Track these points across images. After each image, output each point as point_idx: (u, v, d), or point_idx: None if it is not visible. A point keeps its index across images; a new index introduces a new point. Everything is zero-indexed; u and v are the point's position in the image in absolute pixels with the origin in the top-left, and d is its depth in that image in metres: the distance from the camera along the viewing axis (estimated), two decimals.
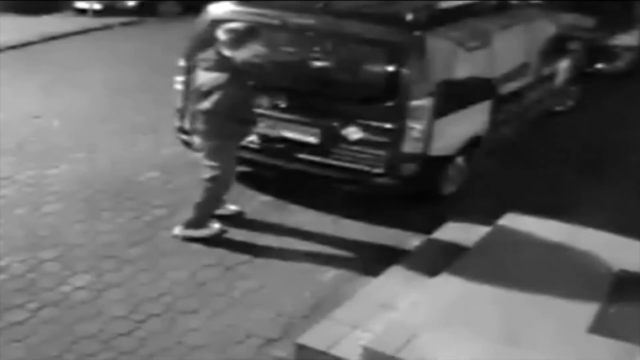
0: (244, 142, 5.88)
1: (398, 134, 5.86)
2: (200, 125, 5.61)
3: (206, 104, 5.48)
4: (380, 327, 4.40)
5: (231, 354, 4.46)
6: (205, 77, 5.54)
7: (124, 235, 5.77)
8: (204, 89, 5.49)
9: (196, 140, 5.78)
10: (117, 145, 7.65)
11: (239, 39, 5.49)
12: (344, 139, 5.97)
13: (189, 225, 5.74)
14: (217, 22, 6.44)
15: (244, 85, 5.51)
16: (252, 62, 5.59)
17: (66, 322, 4.64)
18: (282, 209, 6.35)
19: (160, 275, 5.25)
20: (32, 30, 12.75)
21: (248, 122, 5.67)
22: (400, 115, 5.84)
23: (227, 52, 5.49)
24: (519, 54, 7.55)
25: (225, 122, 5.48)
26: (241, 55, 5.49)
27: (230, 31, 5.52)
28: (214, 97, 5.43)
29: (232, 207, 6.14)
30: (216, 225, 5.84)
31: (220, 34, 5.54)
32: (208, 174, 5.65)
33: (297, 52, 6.52)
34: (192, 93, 5.76)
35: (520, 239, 5.53)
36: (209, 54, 5.59)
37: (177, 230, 5.75)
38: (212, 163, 5.62)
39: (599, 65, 11.23)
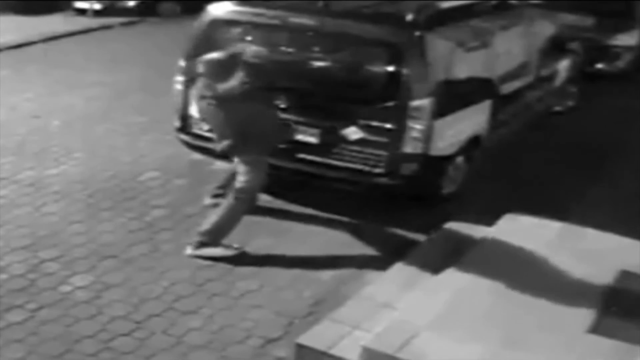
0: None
1: (398, 134, 5.86)
2: (229, 151, 5.54)
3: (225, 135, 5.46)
4: (380, 327, 4.40)
5: (231, 354, 4.46)
6: (204, 109, 5.55)
7: (124, 235, 5.77)
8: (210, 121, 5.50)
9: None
10: (117, 145, 7.65)
11: (222, 70, 5.38)
12: (344, 139, 5.97)
13: (204, 243, 5.50)
14: (217, 22, 6.46)
15: (246, 109, 5.39)
16: (243, 88, 5.39)
17: (66, 322, 4.64)
18: (282, 209, 6.34)
19: (160, 275, 5.25)
20: (32, 30, 12.75)
21: (270, 136, 5.62)
22: (400, 115, 5.84)
23: (213, 84, 5.39)
24: (519, 54, 7.55)
25: (245, 143, 5.44)
26: (227, 86, 5.35)
27: (211, 63, 5.44)
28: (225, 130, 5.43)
29: None
30: (235, 245, 5.57)
31: (201, 67, 5.46)
32: (238, 184, 5.54)
33: (297, 52, 6.52)
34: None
35: (521, 239, 5.52)
36: (200, 85, 5.54)
37: (190, 250, 5.52)
38: (242, 175, 5.52)
39: (599, 65, 11.23)
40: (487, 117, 6.82)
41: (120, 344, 4.47)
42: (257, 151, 5.54)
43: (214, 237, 5.52)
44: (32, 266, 5.24)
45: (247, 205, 5.62)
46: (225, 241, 5.56)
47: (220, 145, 5.59)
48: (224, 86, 5.37)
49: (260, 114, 5.52)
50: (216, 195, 6.13)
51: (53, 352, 4.35)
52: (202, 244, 5.51)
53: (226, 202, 5.63)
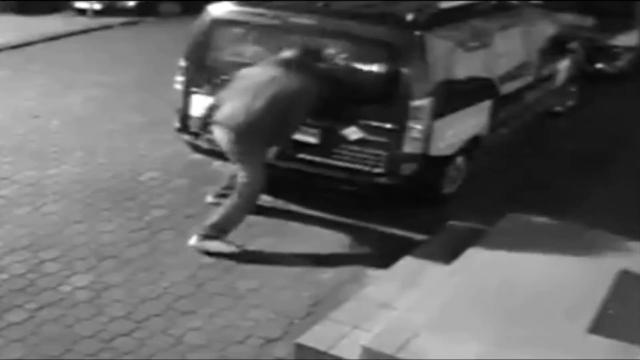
0: None
1: (398, 134, 5.86)
2: (239, 128, 5.52)
3: (260, 105, 5.49)
4: (380, 327, 4.40)
5: (231, 354, 4.46)
6: (269, 75, 5.62)
7: (124, 235, 5.77)
8: (268, 89, 5.53)
9: (223, 140, 5.68)
10: (117, 145, 7.65)
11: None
12: (344, 139, 5.97)
13: (208, 235, 5.55)
14: (217, 22, 6.46)
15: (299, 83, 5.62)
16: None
17: (66, 322, 4.64)
18: (282, 209, 6.35)
19: (160, 275, 5.25)
20: (32, 30, 12.76)
21: (289, 130, 5.74)
22: (400, 115, 5.84)
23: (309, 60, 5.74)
24: (519, 54, 7.55)
25: (272, 127, 5.52)
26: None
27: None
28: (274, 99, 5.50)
29: None
30: (237, 243, 5.61)
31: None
32: (240, 180, 5.61)
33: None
34: (236, 89, 5.69)
35: (520, 239, 5.52)
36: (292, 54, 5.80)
37: (193, 241, 5.56)
38: (243, 171, 5.59)
39: (599, 65, 11.25)
40: (487, 117, 6.83)
41: (120, 344, 4.47)
42: (262, 140, 5.59)
43: (217, 231, 5.56)
44: (32, 266, 5.24)
45: (251, 202, 5.66)
46: (228, 238, 5.58)
47: (230, 123, 5.57)
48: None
49: (302, 100, 5.62)
50: (220, 195, 6.17)
51: (53, 352, 4.35)
52: (206, 237, 5.54)
53: (230, 199, 5.65)
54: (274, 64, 5.74)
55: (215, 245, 5.53)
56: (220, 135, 5.68)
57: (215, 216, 5.62)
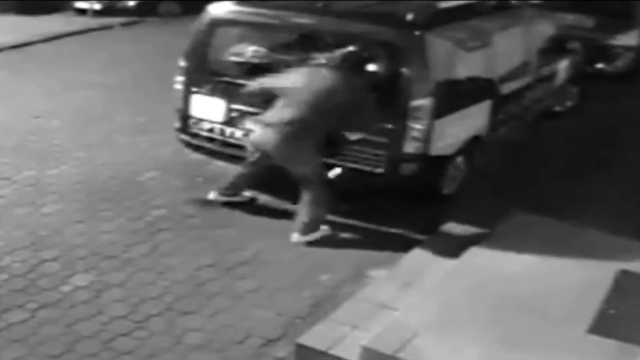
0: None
1: (398, 134, 5.87)
2: (287, 125, 5.58)
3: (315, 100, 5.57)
4: (380, 327, 4.40)
5: (231, 354, 4.46)
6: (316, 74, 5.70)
7: (124, 235, 5.77)
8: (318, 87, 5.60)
9: (268, 135, 5.69)
10: (117, 145, 7.65)
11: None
12: (344, 139, 5.97)
13: (305, 231, 5.76)
14: (217, 22, 6.47)
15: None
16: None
17: (66, 322, 4.64)
18: (282, 209, 6.34)
19: (160, 275, 5.25)
20: (32, 30, 12.76)
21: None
22: (400, 115, 5.84)
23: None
24: (519, 54, 7.55)
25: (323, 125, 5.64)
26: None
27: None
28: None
29: (247, 194, 6.17)
30: (323, 227, 5.86)
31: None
32: (301, 174, 5.72)
33: (296, 53, 6.52)
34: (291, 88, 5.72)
35: (521, 239, 5.53)
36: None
37: (295, 238, 5.74)
38: (300, 166, 5.70)
39: (599, 65, 11.25)
40: (487, 117, 6.83)
41: (120, 344, 4.46)
42: (315, 139, 5.65)
43: (311, 227, 5.77)
44: (32, 266, 5.24)
45: (323, 187, 5.76)
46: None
47: (281, 125, 5.60)
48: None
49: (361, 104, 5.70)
50: (224, 194, 6.24)
51: (53, 352, 4.35)
52: (305, 233, 5.76)
53: (304, 197, 5.76)
54: (323, 65, 5.79)
55: (315, 235, 5.77)
56: (269, 137, 5.66)
57: (302, 215, 5.76)
